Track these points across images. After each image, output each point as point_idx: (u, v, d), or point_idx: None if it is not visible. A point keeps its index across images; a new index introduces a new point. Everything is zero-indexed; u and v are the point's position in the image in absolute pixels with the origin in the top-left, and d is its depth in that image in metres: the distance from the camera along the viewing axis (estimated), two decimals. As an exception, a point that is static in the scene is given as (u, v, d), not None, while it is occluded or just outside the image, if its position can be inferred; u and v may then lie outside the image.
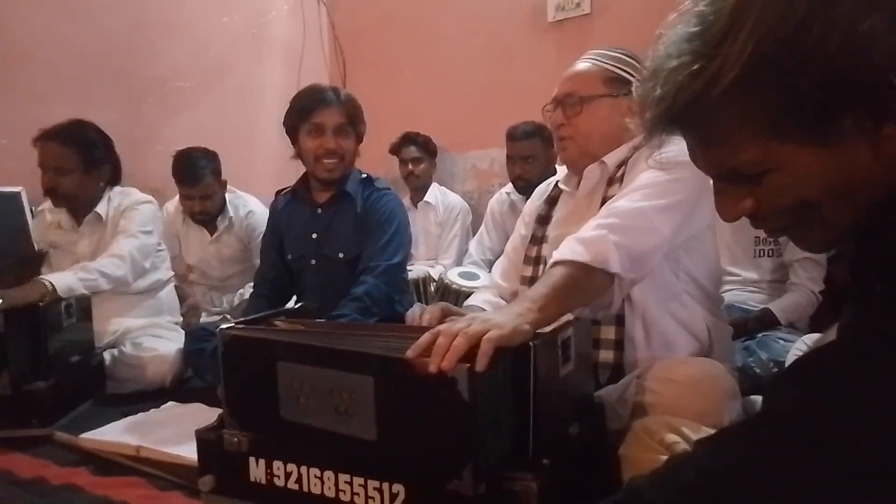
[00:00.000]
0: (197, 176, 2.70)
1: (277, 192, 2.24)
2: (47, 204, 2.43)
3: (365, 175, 2.11)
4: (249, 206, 2.91)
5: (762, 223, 0.70)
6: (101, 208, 2.35)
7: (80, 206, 2.33)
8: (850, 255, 0.70)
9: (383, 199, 2.05)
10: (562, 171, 1.62)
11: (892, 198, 0.62)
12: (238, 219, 2.88)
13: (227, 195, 2.88)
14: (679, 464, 0.63)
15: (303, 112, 1.99)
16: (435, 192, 3.37)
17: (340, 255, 2.04)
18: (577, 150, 1.48)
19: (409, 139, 3.31)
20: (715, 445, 0.61)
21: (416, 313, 1.28)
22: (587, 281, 1.18)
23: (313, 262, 2.08)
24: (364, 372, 1.03)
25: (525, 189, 2.82)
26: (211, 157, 2.75)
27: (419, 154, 3.31)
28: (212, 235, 2.88)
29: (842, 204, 0.63)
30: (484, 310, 1.50)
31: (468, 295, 2.31)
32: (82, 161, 2.26)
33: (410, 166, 3.30)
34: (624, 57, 1.48)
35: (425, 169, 3.33)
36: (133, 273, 2.27)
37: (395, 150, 3.31)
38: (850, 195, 0.62)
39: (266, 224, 2.31)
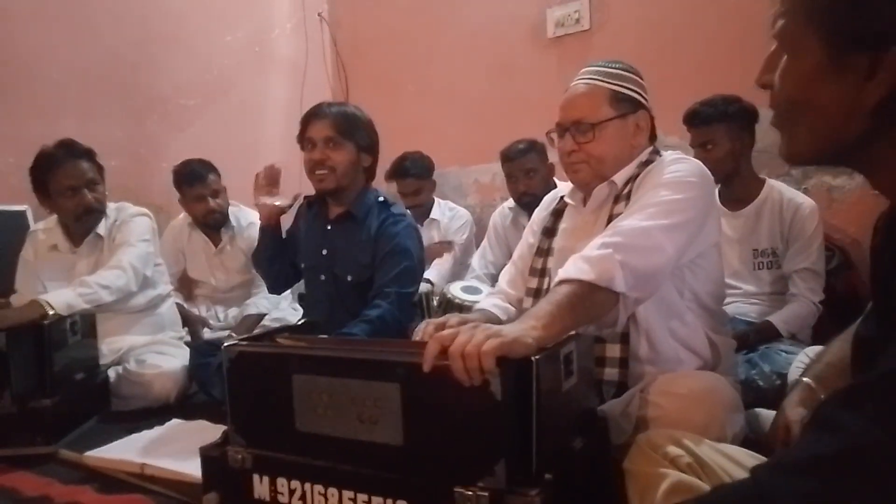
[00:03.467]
0: (203, 173, 2.77)
1: (305, 197, 2.23)
2: (41, 224, 2.43)
3: (382, 198, 2.08)
4: (250, 219, 2.94)
5: (771, 101, 0.72)
6: (101, 228, 2.35)
7: (91, 223, 2.33)
8: (875, 270, 0.70)
9: (399, 226, 2.01)
10: (566, 185, 1.63)
11: (872, 131, 0.63)
12: (240, 229, 2.92)
13: (229, 209, 2.91)
14: (736, 497, 0.59)
15: (301, 128, 2.02)
16: (440, 209, 3.32)
17: (349, 279, 2.02)
18: (590, 173, 1.48)
19: (401, 171, 3.12)
20: (780, 479, 0.56)
21: (423, 328, 1.29)
22: (592, 299, 1.18)
23: (322, 277, 2.07)
24: (390, 379, 1.06)
25: (531, 205, 2.73)
26: (206, 162, 2.83)
27: (416, 185, 3.17)
28: (216, 246, 2.91)
29: (831, 119, 0.65)
30: (492, 312, 1.53)
31: (470, 309, 2.32)
32: (100, 173, 2.30)
33: (410, 199, 3.16)
34: (623, 73, 1.48)
35: (425, 197, 3.23)
36: (136, 280, 2.27)
37: (390, 178, 3.20)
38: (840, 115, 0.64)
39: None
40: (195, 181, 2.77)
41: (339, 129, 1.97)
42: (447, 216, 3.29)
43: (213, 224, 2.87)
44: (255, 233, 2.84)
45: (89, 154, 2.28)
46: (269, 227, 2.11)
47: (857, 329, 0.70)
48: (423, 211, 3.26)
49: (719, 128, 2.18)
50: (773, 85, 0.71)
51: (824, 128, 0.66)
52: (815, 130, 0.67)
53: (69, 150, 2.23)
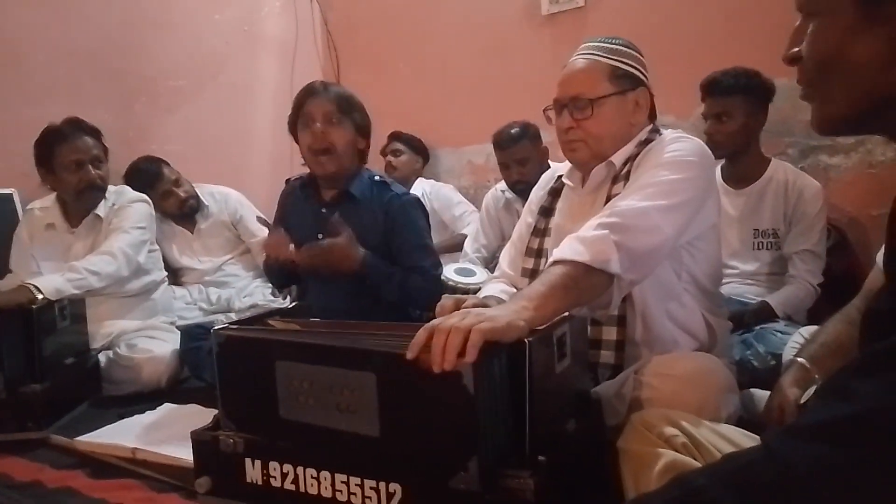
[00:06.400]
0: (156, 170, 2.81)
1: (287, 180, 2.18)
2: (38, 203, 2.41)
3: (379, 178, 2.04)
4: (224, 191, 3.01)
5: (800, 75, 0.71)
6: (101, 209, 2.33)
7: (93, 201, 2.32)
8: (891, 242, 0.68)
9: (408, 207, 1.97)
10: (564, 165, 1.60)
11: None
12: (215, 203, 2.94)
13: (196, 190, 2.93)
14: (748, 462, 0.58)
15: (296, 107, 1.96)
16: (422, 186, 3.36)
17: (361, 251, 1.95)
18: (588, 152, 1.45)
19: (392, 136, 3.40)
20: (791, 444, 0.56)
21: (442, 304, 1.26)
22: (586, 281, 1.16)
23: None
24: (366, 369, 1.04)
25: (525, 192, 2.74)
26: (152, 158, 2.87)
27: (400, 146, 3.38)
28: (192, 232, 2.92)
29: (866, 75, 0.64)
30: (502, 299, 1.48)
31: (465, 292, 2.31)
32: (105, 154, 2.32)
33: (389, 157, 3.37)
34: (624, 49, 1.46)
35: (405, 161, 3.37)
36: (127, 267, 2.25)
37: (383, 151, 3.38)
38: (876, 69, 0.63)
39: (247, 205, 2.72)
40: (154, 180, 2.78)
41: (339, 107, 1.92)
42: (427, 192, 3.30)
43: (190, 211, 2.88)
44: (232, 201, 2.95)
45: (95, 132, 2.31)
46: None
47: (870, 305, 0.68)
48: (402, 180, 3.27)
49: (738, 100, 2.14)
50: (800, 57, 0.69)
51: (860, 85, 0.64)
52: (851, 89, 0.65)
53: (77, 126, 2.26)
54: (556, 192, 1.60)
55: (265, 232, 2.03)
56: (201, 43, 3.45)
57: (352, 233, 1.82)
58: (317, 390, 1.10)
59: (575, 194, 1.54)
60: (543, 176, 1.70)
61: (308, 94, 1.94)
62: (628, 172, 1.40)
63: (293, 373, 1.12)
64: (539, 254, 1.54)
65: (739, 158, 2.21)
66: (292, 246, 1.90)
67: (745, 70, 2.16)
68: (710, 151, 1.42)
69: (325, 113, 1.90)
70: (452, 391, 0.94)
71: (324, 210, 2.00)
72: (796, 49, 0.69)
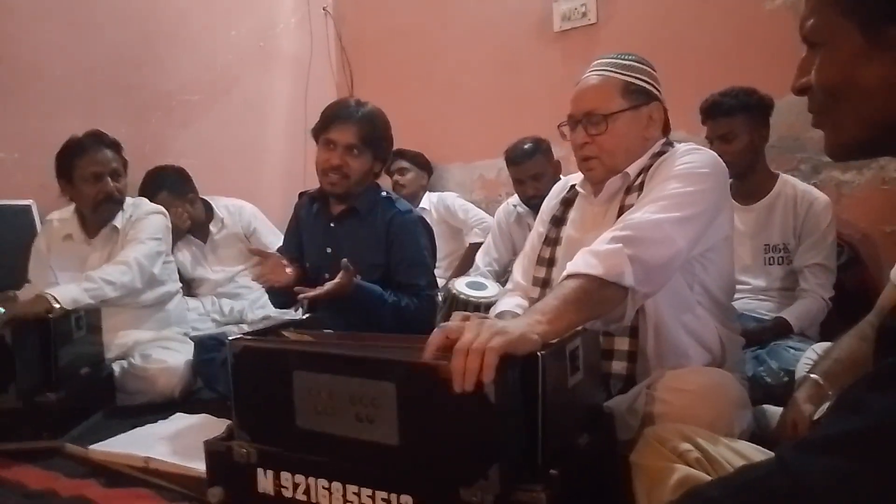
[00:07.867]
0: (160, 189, 2.77)
1: (301, 194, 2.20)
2: (56, 213, 2.45)
3: (385, 194, 2.06)
4: (238, 204, 3.03)
5: (811, 104, 0.72)
6: (118, 221, 2.36)
7: (110, 213, 2.35)
8: None
9: (413, 226, 1.99)
10: (576, 175, 1.61)
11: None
12: (229, 216, 2.96)
13: (210, 202, 2.95)
14: (761, 474, 0.58)
15: (323, 123, 1.97)
16: (430, 199, 3.42)
17: (357, 278, 1.96)
18: (603, 168, 1.47)
19: (396, 154, 3.36)
20: (805, 458, 0.56)
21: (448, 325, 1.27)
22: (600, 294, 1.17)
23: (327, 276, 2.01)
24: (386, 378, 1.05)
25: (539, 206, 2.74)
26: (171, 174, 2.85)
27: (406, 164, 3.40)
28: (206, 242, 2.94)
29: (875, 99, 0.65)
30: (517, 313, 1.48)
31: (476, 306, 2.31)
32: (124, 167, 2.35)
33: (396, 176, 3.39)
34: (636, 64, 1.47)
35: (412, 179, 3.41)
36: (141, 278, 2.27)
37: (388, 171, 3.37)
38: (885, 92, 0.64)
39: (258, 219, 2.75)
40: (152, 195, 2.75)
41: (362, 139, 1.93)
42: (434, 204, 3.38)
43: (190, 230, 2.87)
44: (247, 214, 2.97)
45: (116, 145, 2.35)
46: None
47: (883, 321, 0.69)
48: (411, 197, 3.35)
49: (740, 119, 2.15)
50: (809, 87, 0.70)
51: (870, 109, 0.65)
52: (861, 114, 0.66)
53: (97, 139, 2.30)
54: (568, 202, 1.60)
55: (271, 250, 2.06)
56: (216, 58, 3.50)
57: (353, 274, 1.83)
58: (335, 400, 1.11)
59: (588, 203, 1.55)
60: (555, 186, 1.71)
61: (337, 115, 1.94)
62: (642, 183, 1.41)
63: (311, 383, 1.13)
64: (550, 263, 1.54)
65: (747, 175, 2.21)
66: (289, 269, 1.91)
67: (743, 88, 2.18)
68: (723, 163, 1.42)
69: (347, 144, 1.92)
70: (473, 400, 0.95)
71: (332, 224, 2.04)
72: (805, 79, 0.71)
